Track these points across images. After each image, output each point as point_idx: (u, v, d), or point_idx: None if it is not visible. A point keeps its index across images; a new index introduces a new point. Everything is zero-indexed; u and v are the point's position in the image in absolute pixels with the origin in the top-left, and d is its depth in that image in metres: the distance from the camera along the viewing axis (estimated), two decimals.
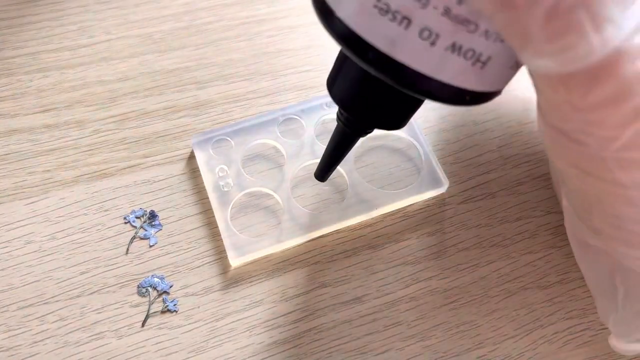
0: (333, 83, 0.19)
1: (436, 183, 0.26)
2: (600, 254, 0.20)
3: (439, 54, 0.14)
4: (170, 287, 0.24)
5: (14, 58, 0.29)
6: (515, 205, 0.27)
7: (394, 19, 0.14)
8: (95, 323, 0.23)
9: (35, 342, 0.22)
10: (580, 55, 0.12)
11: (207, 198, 0.25)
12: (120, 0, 0.31)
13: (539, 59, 0.13)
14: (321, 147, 0.27)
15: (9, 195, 0.25)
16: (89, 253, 0.24)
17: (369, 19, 0.14)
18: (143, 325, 0.23)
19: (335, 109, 0.27)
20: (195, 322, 0.23)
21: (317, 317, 0.23)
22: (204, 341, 0.23)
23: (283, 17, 0.31)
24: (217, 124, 0.28)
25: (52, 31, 0.30)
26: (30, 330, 0.22)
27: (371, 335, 0.23)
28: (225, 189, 0.25)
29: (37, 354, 0.22)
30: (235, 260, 0.24)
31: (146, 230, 0.25)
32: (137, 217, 0.25)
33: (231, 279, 0.24)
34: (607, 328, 0.24)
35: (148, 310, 0.23)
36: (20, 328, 0.23)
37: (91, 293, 0.23)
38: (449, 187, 0.27)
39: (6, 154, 0.26)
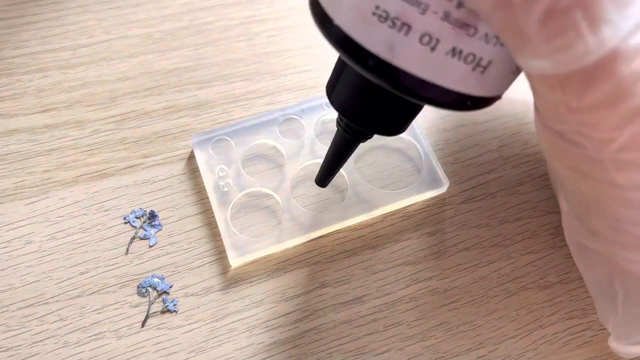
0: (332, 90, 0.19)
1: (436, 183, 0.26)
2: (599, 257, 0.19)
3: (440, 59, 0.14)
4: (170, 287, 0.24)
5: (14, 58, 0.29)
6: (515, 205, 0.26)
7: (393, 25, 0.14)
8: (95, 323, 0.23)
9: (35, 343, 0.22)
10: (576, 55, 0.12)
11: (207, 198, 0.25)
12: (120, 0, 0.31)
13: (536, 59, 0.13)
14: (321, 147, 0.27)
15: (9, 195, 0.25)
16: (88, 253, 0.24)
17: (367, 26, 0.14)
18: (143, 325, 0.23)
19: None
20: (195, 322, 0.23)
21: (317, 318, 0.23)
22: (203, 341, 0.23)
23: (283, 17, 0.31)
24: (217, 124, 0.28)
25: (52, 31, 0.30)
26: (30, 330, 0.22)
27: (371, 335, 0.23)
28: (225, 189, 0.25)
29: (36, 354, 0.22)
30: (235, 261, 0.24)
31: (146, 231, 0.25)
32: (137, 217, 0.25)
33: (231, 279, 0.24)
34: (607, 329, 0.24)
35: (148, 311, 0.23)
36: (20, 328, 0.23)
37: (91, 293, 0.23)
38: (449, 187, 0.27)
39: (6, 154, 0.26)
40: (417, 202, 0.26)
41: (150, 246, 0.24)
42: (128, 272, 0.24)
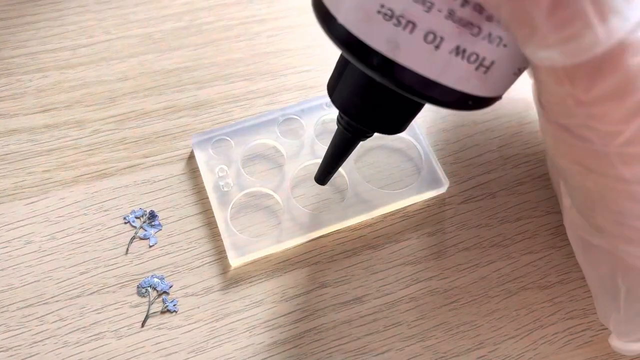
0: (334, 88, 0.19)
1: (436, 183, 0.26)
2: (603, 254, 0.20)
3: (443, 58, 0.14)
4: (170, 287, 0.24)
5: (14, 58, 0.29)
6: (515, 205, 0.26)
7: (398, 23, 0.14)
8: (94, 323, 0.23)
9: (35, 343, 0.22)
10: (585, 46, 0.12)
11: (207, 198, 0.25)
12: (120, 0, 0.31)
13: (544, 50, 0.13)
14: (321, 147, 0.27)
15: (8, 195, 0.25)
16: (88, 253, 0.24)
17: (372, 24, 0.14)
18: (143, 325, 0.23)
19: (335, 108, 0.27)
20: (195, 322, 0.23)
21: (317, 318, 0.23)
22: (203, 341, 0.23)
23: (283, 17, 0.31)
24: (217, 124, 0.28)
25: (52, 31, 0.30)
26: (30, 330, 0.22)
27: (371, 335, 0.23)
28: (225, 189, 0.25)
29: (36, 354, 0.22)
30: (235, 261, 0.24)
31: (146, 231, 0.25)
32: (136, 217, 0.25)
33: (231, 279, 0.24)
34: (607, 328, 0.24)
35: (148, 311, 0.23)
36: (20, 328, 0.23)
37: (91, 293, 0.23)
38: (449, 187, 0.26)
39: (6, 154, 0.26)
40: (417, 202, 0.26)
41: (150, 246, 0.24)
42: (128, 272, 0.24)
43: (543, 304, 0.24)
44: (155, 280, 0.24)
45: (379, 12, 0.14)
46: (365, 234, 0.25)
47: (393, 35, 0.14)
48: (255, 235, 0.25)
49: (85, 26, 0.30)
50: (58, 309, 0.23)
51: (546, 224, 0.26)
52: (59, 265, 0.24)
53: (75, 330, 0.23)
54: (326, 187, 0.26)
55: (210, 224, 0.25)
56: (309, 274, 0.24)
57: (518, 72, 0.16)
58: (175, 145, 0.27)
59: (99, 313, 0.23)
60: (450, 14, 0.13)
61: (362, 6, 0.14)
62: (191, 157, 0.27)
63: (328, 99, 0.28)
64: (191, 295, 0.24)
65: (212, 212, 0.25)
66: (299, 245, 0.25)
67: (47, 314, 0.23)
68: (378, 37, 0.14)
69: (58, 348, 0.22)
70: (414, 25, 0.14)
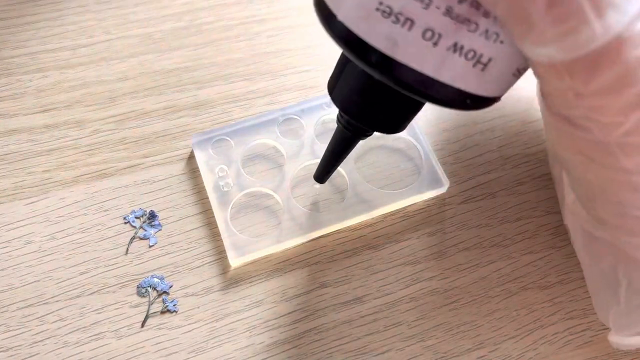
0: (334, 86, 0.19)
1: (436, 183, 0.26)
2: (605, 246, 0.20)
3: (441, 54, 0.14)
4: (170, 287, 0.24)
5: (13, 58, 0.29)
6: (515, 205, 0.26)
7: (397, 20, 0.14)
8: (95, 323, 0.23)
9: (35, 343, 0.22)
10: (582, 41, 0.12)
11: (207, 198, 0.25)
12: (120, 0, 0.31)
13: (542, 46, 0.13)
14: (321, 147, 0.27)
15: (8, 195, 0.25)
16: (88, 253, 0.24)
17: (371, 21, 0.14)
18: (143, 325, 0.23)
19: (335, 109, 0.27)
20: (195, 322, 0.23)
21: (317, 318, 0.23)
22: (203, 341, 0.23)
23: (283, 17, 0.31)
24: (217, 124, 0.28)
25: (52, 31, 0.30)
26: (30, 330, 0.22)
27: (371, 335, 0.23)
28: (225, 189, 0.25)
29: (36, 354, 0.22)
30: (235, 261, 0.24)
31: (146, 231, 0.25)
32: (136, 217, 0.25)
33: (231, 279, 0.24)
34: (607, 328, 0.24)
35: (148, 311, 0.23)
36: (20, 328, 0.22)
37: (91, 293, 0.23)
38: (449, 187, 0.26)
39: (6, 154, 0.26)
40: (417, 202, 0.26)
41: (150, 246, 0.24)
42: (128, 272, 0.24)
43: (543, 304, 0.24)
44: (155, 280, 0.24)
45: (377, 9, 0.14)
46: (365, 234, 0.25)
47: (391, 32, 0.14)
48: (255, 235, 0.25)
49: (85, 26, 0.30)
50: (58, 309, 0.23)
51: (546, 224, 0.26)
52: (59, 265, 0.24)
53: (75, 330, 0.23)
54: (326, 187, 0.26)
55: (210, 224, 0.25)
56: (309, 274, 0.24)
57: (517, 74, 0.16)
58: (175, 145, 0.27)
59: (99, 313, 0.23)
60: (448, 11, 0.14)
61: (362, 4, 0.14)
62: (191, 157, 0.27)
63: (328, 99, 0.28)
64: (191, 295, 0.24)
65: (212, 212, 0.25)
66: (299, 245, 0.25)
67: (47, 314, 0.23)
68: (377, 35, 0.14)
69: (58, 348, 0.22)
70: (412, 22, 0.14)
